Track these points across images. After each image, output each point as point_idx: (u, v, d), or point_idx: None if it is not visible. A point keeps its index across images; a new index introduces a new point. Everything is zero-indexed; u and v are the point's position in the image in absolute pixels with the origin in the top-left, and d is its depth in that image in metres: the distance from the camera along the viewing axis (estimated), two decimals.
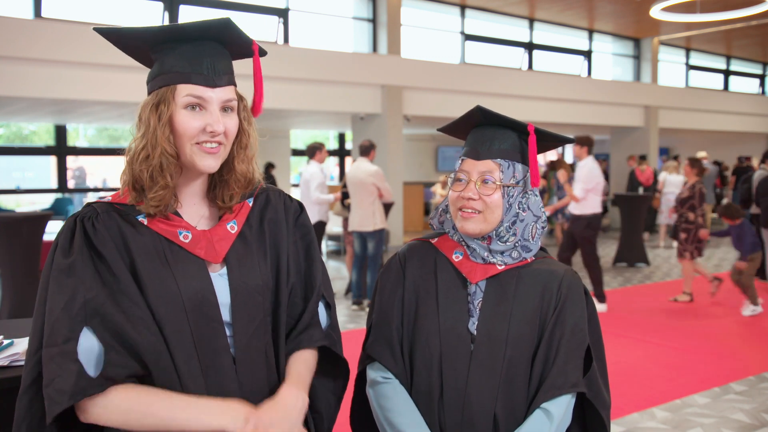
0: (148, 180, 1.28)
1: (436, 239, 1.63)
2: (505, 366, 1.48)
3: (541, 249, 1.64)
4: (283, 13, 11.05)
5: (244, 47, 1.38)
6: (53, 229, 14.52)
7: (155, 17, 9.83)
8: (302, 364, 1.42)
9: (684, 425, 3.82)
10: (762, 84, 20.79)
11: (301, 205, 1.53)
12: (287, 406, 1.29)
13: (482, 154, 1.53)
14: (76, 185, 16.12)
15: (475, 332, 1.50)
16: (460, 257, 1.57)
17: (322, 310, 1.51)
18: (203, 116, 1.29)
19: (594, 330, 1.57)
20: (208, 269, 1.33)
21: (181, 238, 1.32)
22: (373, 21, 11.82)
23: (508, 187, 1.53)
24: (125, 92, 8.76)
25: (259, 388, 1.36)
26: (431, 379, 1.50)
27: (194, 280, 1.30)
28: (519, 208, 1.54)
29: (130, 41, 1.34)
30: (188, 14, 10.12)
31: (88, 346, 1.21)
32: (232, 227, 1.38)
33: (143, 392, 1.23)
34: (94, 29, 1.31)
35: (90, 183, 18.59)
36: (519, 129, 1.56)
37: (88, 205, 1.33)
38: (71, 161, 15.07)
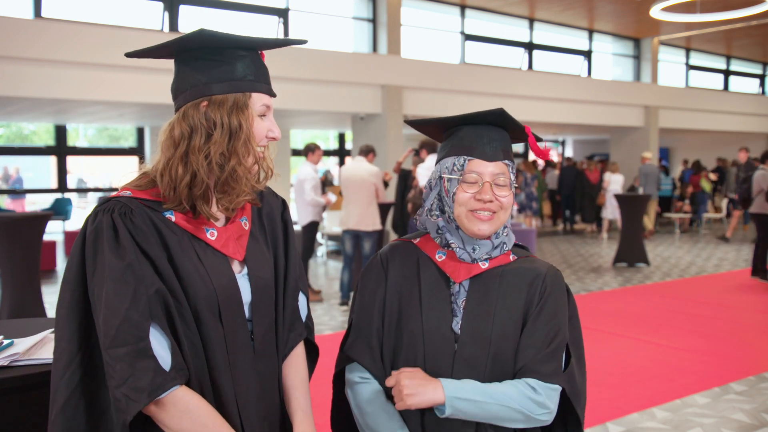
0: (233, 184, 1.32)
1: (418, 239, 1.63)
2: (489, 364, 1.47)
3: (523, 248, 1.65)
4: (283, 13, 11.05)
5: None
6: (53, 229, 14.38)
7: (155, 17, 9.83)
8: (302, 388, 1.48)
9: (684, 425, 3.82)
10: (762, 84, 20.79)
11: (284, 202, 1.59)
12: None
13: (491, 156, 1.52)
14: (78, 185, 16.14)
15: (459, 332, 1.50)
16: (444, 257, 1.56)
17: (301, 299, 1.57)
18: (266, 122, 1.38)
19: (574, 328, 1.57)
20: (232, 267, 1.37)
21: (207, 235, 1.35)
22: (373, 21, 11.81)
23: (515, 186, 1.56)
24: (125, 92, 8.76)
25: (272, 376, 1.43)
26: None
27: (223, 277, 1.34)
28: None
29: (211, 43, 1.34)
30: (188, 14, 10.12)
31: (157, 342, 1.22)
32: (245, 223, 1.43)
33: (215, 413, 1.27)
34: (203, 29, 1.30)
35: (90, 183, 18.59)
36: (512, 129, 1.58)
37: (111, 199, 1.30)
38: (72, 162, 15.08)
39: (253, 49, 1.37)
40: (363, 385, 1.53)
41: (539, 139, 1.63)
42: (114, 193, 1.33)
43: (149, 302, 1.22)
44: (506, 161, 1.54)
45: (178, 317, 1.26)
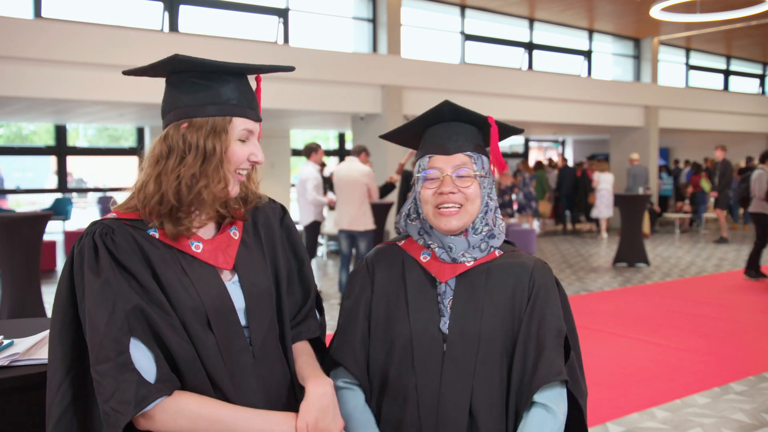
0: (196, 205, 1.34)
1: (402, 242, 1.63)
2: (479, 362, 1.47)
3: (509, 243, 1.64)
4: (283, 13, 11.05)
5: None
6: (53, 229, 14.36)
7: (155, 17, 9.82)
8: (309, 355, 1.51)
9: (684, 425, 3.82)
10: (762, 84, 20.78)
11: (283, 208, 1.61)
12: (321, 398, 1.36)
13: (452, 149, 1.52)
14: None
15: (447, 332, 1.49)
16: (428, 258, 1.56)
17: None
18: (248, 147, 1.39)
19: (568, 319, 1.56)
20: (221, 276, 1.39)
21: (193, 248, 1.37)
22: (373, 21, 11.81)
23: (483, 177, 1.54)
24: (125, 92, 8.76)
25: (276, 380, 1.43)
26: (405, 382, 1.49)
27: (212, 287, 1.36)
28: (488, 198, 1.56)
29: (196, 67, 1.36)
30: (188, 14, 10.12)
31: (141, 354, 1.25)
32: (234, 233, 1.45)
33: (207, 400, 1.28)
34: (176, 55, 1.31)
35: (90, 183, 18.58)
36: (479, 122, 1.57)
37: (96, 222, 1.34)
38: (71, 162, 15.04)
39: (238, 74, 1.38)
40: (347, 391, 1.54)
41: (510, 130, 1.62)
42: (101, 217, 1.38)
43: (128, 317, 1.25)
44: (469, 153, 1.53)
45: (168, 328, 1.28)
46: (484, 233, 1.54)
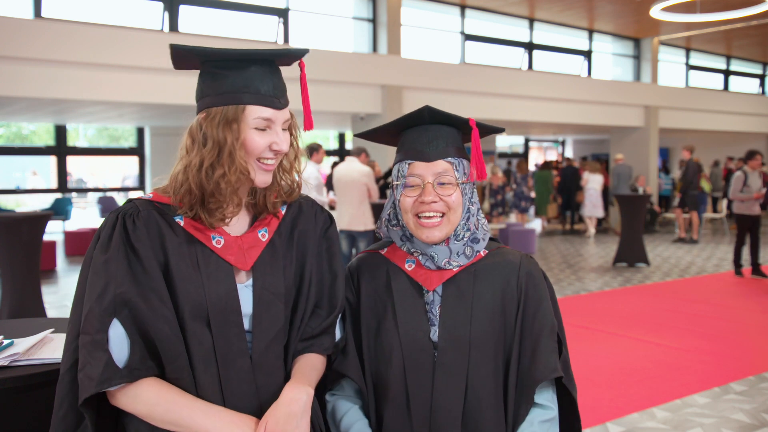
0: (218, 195, 1.34)
1: (385, 249, 1.59)
2: (471, 367, 1.45)
3: (493, 240, 1.61)
4: (283, 13, 11.05)
5: (291, 62, 1.44)
6: (53, 228, 14.35)
7: (155, 17, 9.82)
8: (306, 365, 1.44)
9: (684, 425, 3.82)
10: (762, 84, 20.79)
11: (330, 218, 1.55)
12: (290, 402, 1.31)
13: (432, 155, 1.48)
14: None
15: (437, 340, 1.47)
16: (413, 266, 1.53)
17: (337, 323, 1.53)
18: (269, 135, 1.36)
19: (555, 312, 1.56)
20: (235, 276, 1.37)
21: (213, 242, 1.36)
22: (373, 21, 11.81)
23: (464, 184, 1.50)
24: (125, 92, 8.76)
25: (275, 389, 1.38)
26: (397, 392, 1.47)
27: (221, 285, 1.34)
28: (470, 203, 1.52)
29: (202, 58, 1.36)
30: (188, 14, 10.12)
31: (118, 337, 1.28)
32: (263, 235, 1.42)
33: (169, 389, 1.29)
34: (172, 45, 1.33)
35: (90, 183, 18.56)
36: (459, 124, 1.52)
37: (130, 201, 1.38)
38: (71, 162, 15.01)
39: (254, 61, 1.35)
40: (342, 400, 1.53)
41: (491, 129, 1.57)
42: (138, 196, 1.41)
43: (115, 300, 1.28)
44: (449, 159, 1.48)
45: (158, 318, 1.29)
46: (466, 239, 1.52)
